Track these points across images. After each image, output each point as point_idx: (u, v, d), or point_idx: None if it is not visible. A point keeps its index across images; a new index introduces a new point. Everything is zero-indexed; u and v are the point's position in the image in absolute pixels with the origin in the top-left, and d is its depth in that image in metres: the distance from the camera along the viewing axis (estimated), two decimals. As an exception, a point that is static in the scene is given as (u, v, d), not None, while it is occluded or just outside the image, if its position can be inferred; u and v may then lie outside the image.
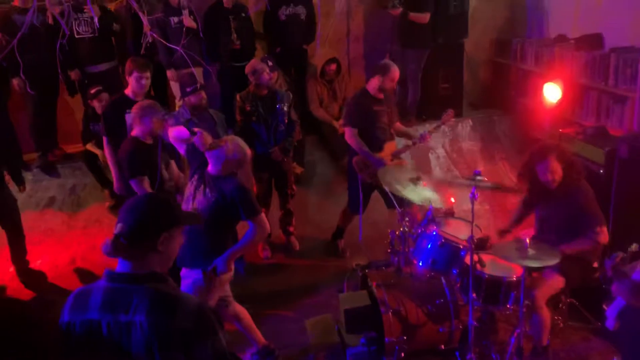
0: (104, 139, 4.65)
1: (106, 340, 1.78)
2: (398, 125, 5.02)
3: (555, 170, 3.62)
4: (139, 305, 1.76)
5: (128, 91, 4.63)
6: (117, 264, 1.90)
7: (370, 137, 4.73)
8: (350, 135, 4.75)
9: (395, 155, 4.84)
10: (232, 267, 3.41)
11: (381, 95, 4.77)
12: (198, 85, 4.52)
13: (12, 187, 5.17)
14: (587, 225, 3.59)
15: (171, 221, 1.90)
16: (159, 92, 6.20)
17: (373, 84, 4.73)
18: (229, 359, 1.85)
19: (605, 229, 3.62)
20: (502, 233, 3.96)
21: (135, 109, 4.08)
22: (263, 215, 3.46)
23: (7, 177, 5.03)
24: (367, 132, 4.73)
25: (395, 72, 4.69)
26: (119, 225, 1.85)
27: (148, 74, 4.58)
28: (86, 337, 1.81)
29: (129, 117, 4.55)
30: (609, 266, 2.40)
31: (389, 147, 4.82)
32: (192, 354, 1.77)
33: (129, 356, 1.78)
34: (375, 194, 4.89)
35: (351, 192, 5.02)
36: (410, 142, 4.91)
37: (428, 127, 5.03)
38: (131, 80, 4.57)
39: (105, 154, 4.71)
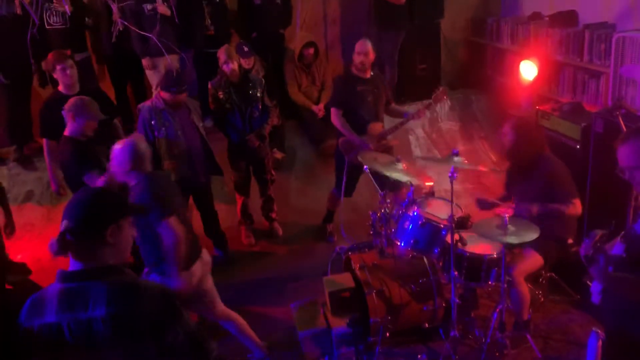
0: (43, 141, 4.60)
1: (69, 341, 1.73)
2: (393, 106, 5.02)
3: (506, 134, 3.78)
4: (97, 300, 1.70)
5: (60, 87, 4.54)
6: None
7: (354, 117, 4.73)
8: (335, 116, 4.76)
9: (382, 136, 4.79)
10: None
11: (367, 75, 4.76)
12: (183, 87, 4.41)
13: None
14: (560, 197, 3.65)
15: (118, 212, 1.86)
16: (135, 81, 6.13)
17: (353, 64, 4.77)
18: (203, 340, 1.82)
19: (578, 201, 3.66)
20: (481, 203, 3.99)
21: (69, 105, 3.89)
22: None
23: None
24: (351, 112, 4.74)
25: (359, 45, 4.68)
26: (64, 222, 1.79)
27: (70, 62, 4.47)
28: (47, 340, 1.76)
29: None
30: (590, 245, 2.41)
31: (375, 128, 4.79)
32: (164, 339, 1.73)
33: (96, 354, 1.73)
34: (364, 177, 4.89)
35: (338, 174, 5.02)
36: (401, 120, 4.87)
37: (419, 105, 4.98)
38: (57, 75, 4.48)
39: (45, 156, 4.64)
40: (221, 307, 3.55)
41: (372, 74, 4.81)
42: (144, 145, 3.31)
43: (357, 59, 4.71)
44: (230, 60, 4.76)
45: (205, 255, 3.50)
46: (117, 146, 3.26)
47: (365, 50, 4.68)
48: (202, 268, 3.41)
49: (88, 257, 1.80)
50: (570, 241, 3.76)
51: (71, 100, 3.95)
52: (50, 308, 1.75)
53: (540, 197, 3.68)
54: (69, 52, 4.59)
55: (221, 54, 4.80)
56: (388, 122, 5.01)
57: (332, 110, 4.80)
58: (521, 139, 3.73)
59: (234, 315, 3.61)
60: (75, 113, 3.87)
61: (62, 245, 1.78)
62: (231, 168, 5.11)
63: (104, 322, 1.70)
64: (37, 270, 4.96)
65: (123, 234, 1.86)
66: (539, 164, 3.73)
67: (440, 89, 4.75)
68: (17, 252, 5.06)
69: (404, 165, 3.90)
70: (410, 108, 5.13)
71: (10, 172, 5.61)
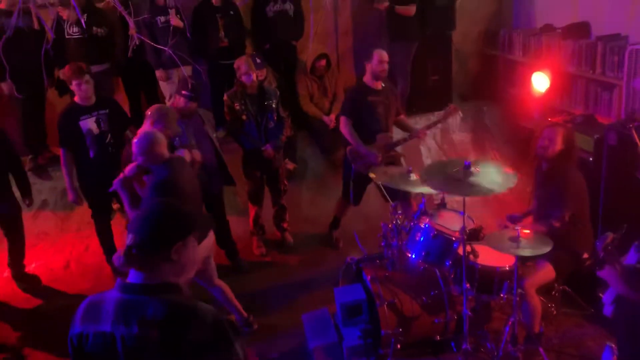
0: (60, 151, 4.65)
1: (120, 353, 1.75)
2: (402, 117, 5.07)
3: (553, 140, 3.71)
4: (153, 318, 1.72)
5: (76, 98, 4.61)
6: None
7: (364, 127, 4.79)
8: (344, 125, 4.83)
9: (389, 147, 4.84)
10: None
11: (379, 86, 4.82)
12: (191, 95, 4.47)
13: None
14: (562, 206, 3.63)
15: (185, 230, 1.85)
16: (148, 92, 6.18)
17: (367, 74, 4.83)
18: None
19: (566, 216, 3.64)
20: (512, 219, 3.98)
21: (151, 110, 3.99)
22: None
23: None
24: (361, 122, 4.80)
25: (379, 53, 4.74)
26: (131, 235, 1.81)
27: (86, 77, 4.51)
28: (100, 349, 1.78)
29: (84, 124, 4.54)
30: (600, 247, 2.41)
31: (383, 139, 4.83)
32: None
33: None
34: (372, 186, 4.91)
35: (345, 182, 5.06)
36: (405, 137, 4.94)
37: (431, 119, 4.97)
38: (74, 88, 4.55)
39: (62, 166, 4.69)
40: (217, 280, 4.06)
41: (383, 85, 4.86)
42: (159, 134, 3.63)
43: (379, 67, 4.74)
44: (252, 71, 4.81)
45: (211, 238, 3.93)
46: (137, 139, 3.59)
47: (386, 59, 4.75)
48: (207, 248, 3.79)
49: (150, 272, 1.80)
50: (585, 256, 3.73)
51: (154, 106, 4.07)
52: (106, 317, 1.77)
53: (549, 200, 3.67)
54: (84, 66, 4.62)
55: (241, 64, 4.84)
56: (397, 133, 5.04)
57: (342, 119, 4.87)
58: (565, 152, 3.72)
59: (225, 285, 4.10)
60: (155, 119, 3.95)
61: (128, 259, 1.79)
62: (245, 178, 5.14)
63: (155, 340, 1.71)
64: (50, 280, 5.01)
65: (188, 251, 1.85)
66: (562, 175, 3.71)
67: (451, 106, 4.75)
68: (31, 260, 5.10)
69: (417, 175, 3.90)
70: (421, 120, 5.16)
71: (26, 182, 5.67)
